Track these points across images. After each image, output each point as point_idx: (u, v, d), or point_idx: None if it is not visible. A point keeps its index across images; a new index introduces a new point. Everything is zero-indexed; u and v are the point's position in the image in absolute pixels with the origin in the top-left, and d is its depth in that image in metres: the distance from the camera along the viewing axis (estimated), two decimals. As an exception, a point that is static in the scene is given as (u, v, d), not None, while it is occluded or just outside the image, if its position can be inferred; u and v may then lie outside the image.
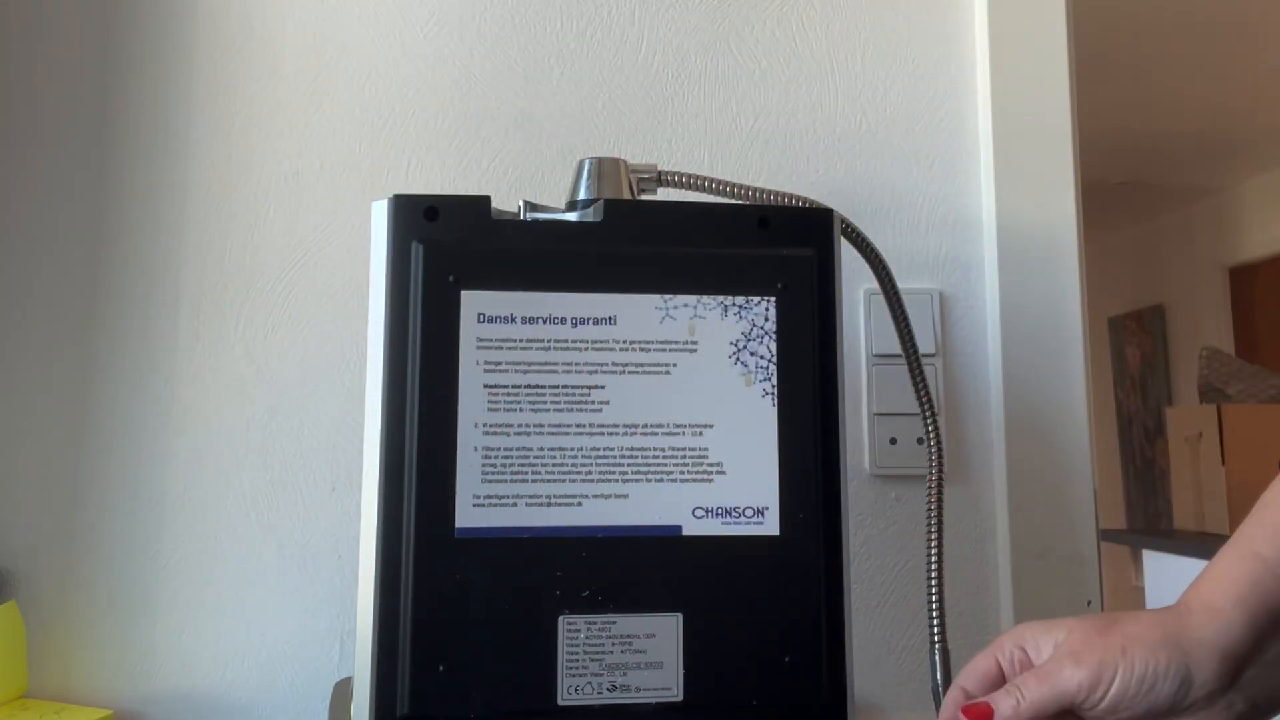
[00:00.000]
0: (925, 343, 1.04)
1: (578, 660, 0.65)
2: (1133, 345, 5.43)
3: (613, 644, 0.65)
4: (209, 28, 1.05)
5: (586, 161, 0.79)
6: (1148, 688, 0.57)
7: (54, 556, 0.98)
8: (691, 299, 0.69)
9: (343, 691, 0.82)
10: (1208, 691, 0.57)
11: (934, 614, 0.82)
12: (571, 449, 0.67)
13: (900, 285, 0.90)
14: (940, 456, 0.86)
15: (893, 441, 1.05)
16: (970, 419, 1.07)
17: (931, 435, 0.86)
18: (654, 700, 0.65)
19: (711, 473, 0.68)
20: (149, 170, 1.03)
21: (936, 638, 0.81)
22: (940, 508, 0.85)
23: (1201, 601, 0.59)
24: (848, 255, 0.80)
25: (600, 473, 0.67)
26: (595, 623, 0.65)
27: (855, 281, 1.02)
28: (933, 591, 0.82)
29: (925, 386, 0.87)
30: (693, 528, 0.67)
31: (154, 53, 1.05)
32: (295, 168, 1.04)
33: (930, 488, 0.85)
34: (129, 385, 1.00)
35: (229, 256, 1.03)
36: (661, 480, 0.67)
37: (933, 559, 0.83)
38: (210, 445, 1.00)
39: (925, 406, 0.87)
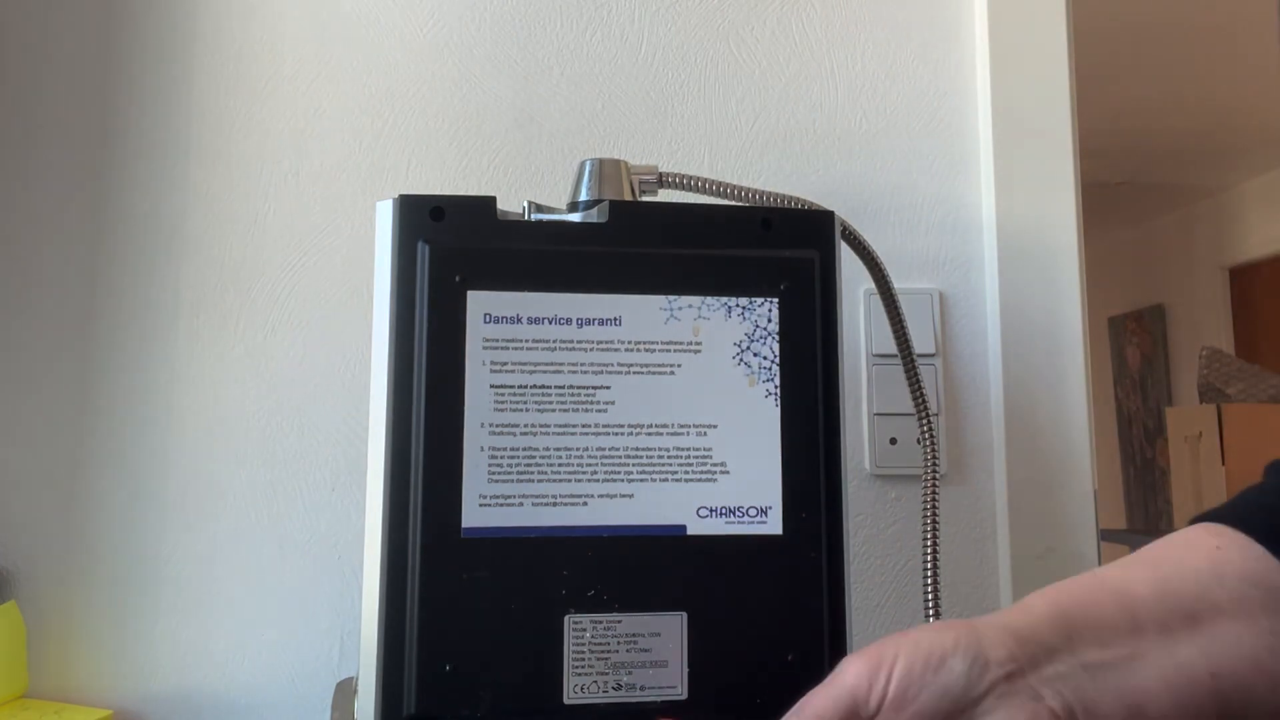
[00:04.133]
0: (925, 343, 1.04)
1: (583, 659, 0.65)
2: (1133, 345, 5.44)
3: (618, 643, 0.65)
4: (209, 28, 1.05)
5: (588, 163, 0.79)
6: (935, 664, 0.52)
7: (54, 556, 0.98)
8: (696, 300, 0.69)
9: (345, 691, 0.82)
10: (1006, 672, 0.52)
11: (931, 614, 0.83)
12: (577, 449, 0.67)
13: (900, 285, 0.90)
14: (935, 457, 0.86)
15: (893, 441, 1.05)
16: (970, 419, 1.07)
17: (927, 436, 0.86)
18: (659, 699, 0.65)
19: (715, 473, 0.68)
20: (149, 170, 1.03)
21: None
22: (935, 508, 0.85)
23: (1021, 601, 0.57)
24: (848, 256, 0.80)
25: (605, 473, 0.67)
26: (601, 622, 0.65)
27: (855, 282, 1.02)
28: (929, 591, 0.83)
29: (921, 387, 0.87)
30: (697, 527, 0.68)
31: (154, 53, 1.05)
32: (295, 168, 1.04)
33: (926, 488, 0.85)
34: (129, 385, 1.00)
35: (229, 256, 1.03)
36: (666, 480, 0.68)
37: (929, 559, 0.83)
38: (210, 445, 1.00)
39: (921, 407, 0.87)
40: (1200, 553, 0.57)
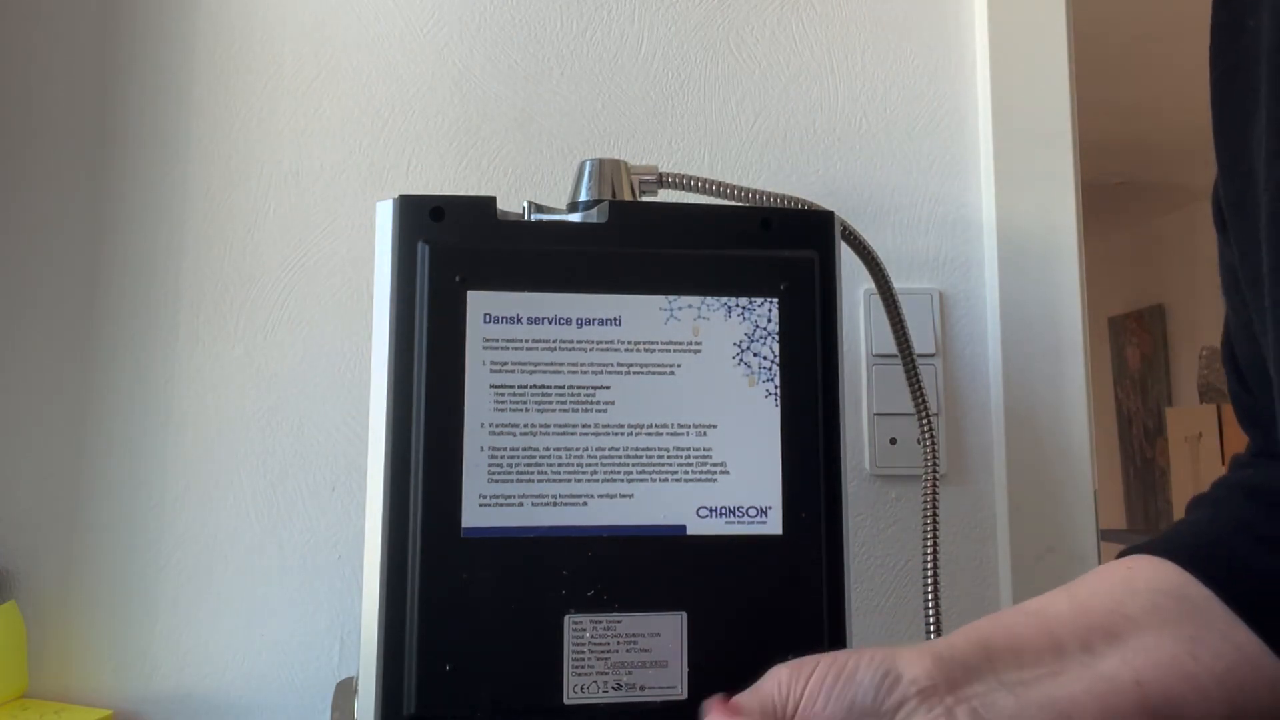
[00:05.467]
0: (925, 343, 1.04)
1: (583, 659, 0.65)
2: (1133, 345, 5.44)
3: (618, 643, 0.65)
4: (209, 28, 1.05)
5: (588, 163, 0.79)
6: (846, 676, 0.54)
7: (54, 556, 0.98)
8: (695, 300, 0.69)
9: (345, 691, 0.82)
10: (919, 689, 0.54)
11: (930, 614, 0.83)
12: (577, 449, 0.67)
13: (900, 285, 0.91)
14: (935, 457, 0.86)
15: (893, 441, 1.05)
16: (970, 419, 1.07)
17: (926, 436, 0.86)
18: (659, 699, 0.65)
19: (715, 473, 0.68)
20: (149, 170, 1.03)
21: (932, 638, 0.81)
22: (935, 508, 0.85)
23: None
24: (847, 255, 0.80)
25: (605, 473, 0.67)
26: (601, 622, 0.65)
27: (855, 282, 1.02)
28: (929, 591, 0.83)
29: (921, 387, 0.88)
30: (697, 527, 0.68)
31: (154, 53, 1.05)
32: (295, 168, 1.04)
33: (926, 488, 0.85)
34: (129, 385, 1.00)
35: (229, 256, 1.03)
36: (666, 480, 0.68)
37: (929, 559, 0.84)
38: (210, 445, 1.00)
39: (921, 407, 0.87)
40: (1114, 575, 0.60)
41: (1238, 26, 0.56)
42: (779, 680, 0.55)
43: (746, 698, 0.56)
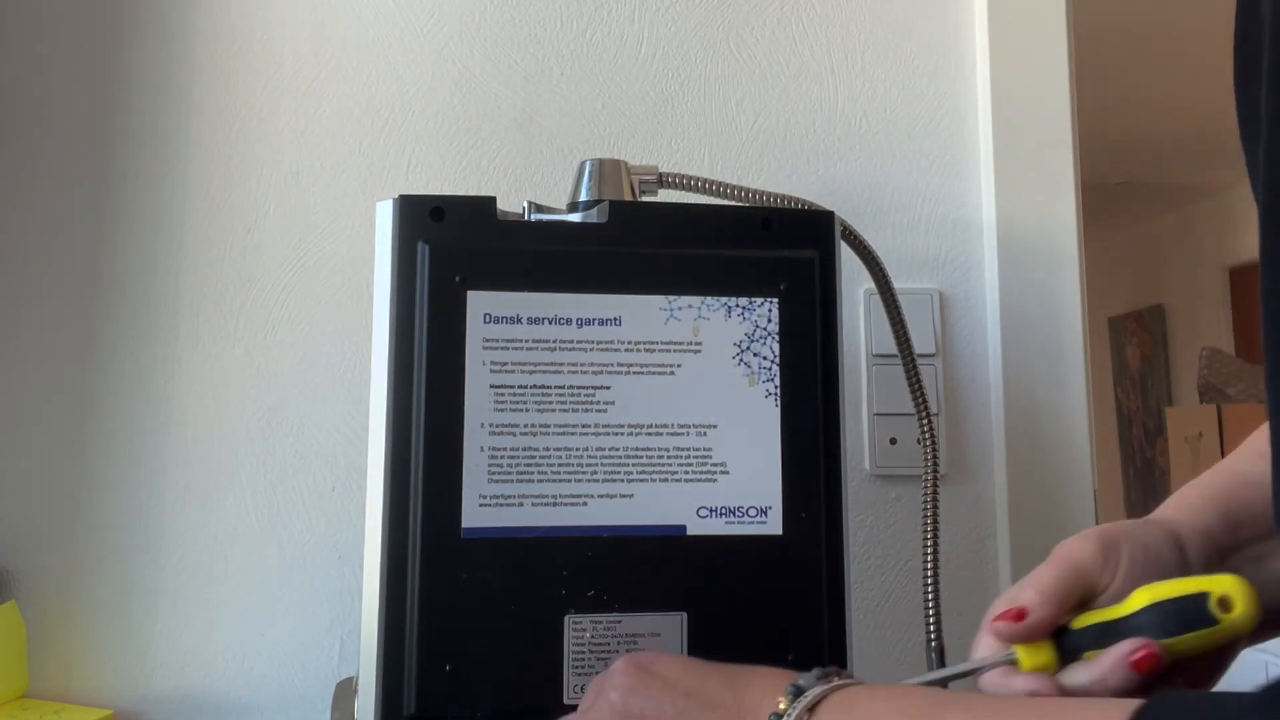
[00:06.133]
0: (925, 343, 1.04)
1: (584, 659, 0.65)
2: (1133, 345, 5.44)
3: (618, 643, 0.65)
4: (209, 28, 1.05)
5: (588, 163, 0.79)
6: (1154, 557, 0.57)
7: (54, 556, 0.98)
8: (695, 300, 0.69)
9: (345, 691, 0.82)
10: (1202, 568, 0.58)
11: (930, 613, 0.83)
12: (577, 449, 0.67)
13: (900, 285, 0.90)
14: (935, 457, 0.86)
15: (893, 441, 1.05)
16: (970, 419, 1.07)
17: (927, 436, 0.86)
18: (659, 699, 0.65)
19: (715, 473, 0.68)
20: (149, 170, 1.03)
21: (933, 637, 0.81)
22: (935, 508, 0.85)
23: (1178, 502, 0.62)
24: (847, 255, 0.80)
25: (605, 473, 0.67)
26: (601, 622, 0.65)
27: (855, 282, 1.02)
28: (929, 591, 0.83)
29: (921, 387, 0.87)
30: (697, 527, 0.68)
31: (154, 53, 1.05)
32: (295, 168, 1.04)
33: (926, 488, 0.85)
34: (129, 385, 1.00)
35: (229, 256, 1.03)
36: (666, 480, 0.68)
37: (929, 559, 0.83)
38: (210, 445, 1.00)
39: (921, 407, 0.87)
40: None
41: (1256, 9, 0.56)
42: (1085, 553, 0.57)
43: (1046, 575, 0.58)
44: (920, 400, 0.87)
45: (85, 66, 1.04)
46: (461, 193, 1.02)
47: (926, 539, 0.84)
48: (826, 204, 0.82)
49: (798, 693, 0.53)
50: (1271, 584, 0.57)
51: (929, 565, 0.83)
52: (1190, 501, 0.61)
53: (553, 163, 1.06)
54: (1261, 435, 0.64)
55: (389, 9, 1.06)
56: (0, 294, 1.01)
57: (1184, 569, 0.57)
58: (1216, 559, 0.59)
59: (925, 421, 0.87)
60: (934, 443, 0.86)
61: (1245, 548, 0.60)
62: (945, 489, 1.05)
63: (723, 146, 1.08)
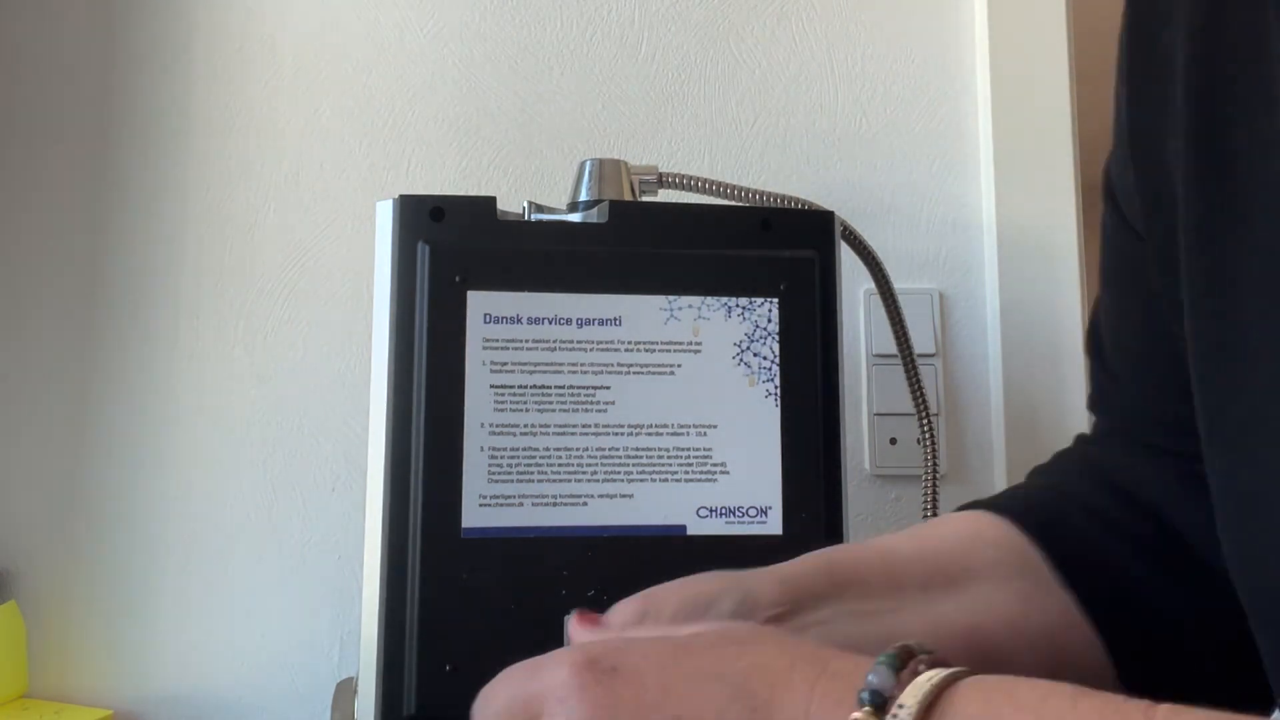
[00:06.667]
0: (925, 343, 1.04)
1: (583, 660, 0.65)
2: (1130, 345, 5.43)
3: (618, 643, 0.65)
4: (209, 28, 1.05)
5: (588, 163, 0.79)
6: (704, 606, 0.52)
7: (54, 556, 0.98)
8: (696, 300, 0.69)
9: (345, 692, 0.82)
10: (773, 614, 0.52)
11: (931, 614, 0.82)
12: (577, 449, 0.67)
13: (900, 285, 0.90)
14: (935, 457, 0.86)
15: (893, 441, 1.05)
16: (970, 419, 1.07)
17: (927, 436, 0.86)
18: (658, 699, 0.65)
19: (715, 473, 0.68)
20: (149, 170, 1.03)
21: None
22: (935, 508, 0.85)
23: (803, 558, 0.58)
24: (848, 255, 0.80)
25: (605, 473, 0.67)
26: (601, 622, 0.65)
27: (855, 282, 1.02)
28: (931, 591, 0.83)
29: (921, 387, 0.87)
30: (697, 527, 0.68)
31: (154, 53, 1.05)
32: (295, 168, 1.04)
33: (926, 488, 0.85)
34: (129, 385, 1.00)
35: (229, 257, 1.03)
36: (666, 480, 0.68)
37: (931, 559, 0.83)
38: (210, 445, 1.00)
39: (921, 407, 0.87)
40: (961, 526, 0.62)
41: (1152, 41, 0.57)
42: (625, 614, 0.52)
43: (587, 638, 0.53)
44: (920, 400, 0.87)
45: (85, 67, 1.04)
46: (462, 193, 1.02)
47: (926, 539, 0.84)
48: (826, 204, 0.82)
49: (879, 702, 0.38)
50: (874, 641, 0.49)
51: (929, 565, 0.83)
52: (800, 558, 0.57)
53: (553, 163, 1.06)
54: (921, 524, 0.64)
55: (389, 9, 1.06)
56: (0, 294, 1.01)
57: (748, 614, 0.52)
58: (808, 604, 0.54)
59: (925, 421, 0.87)
60: (934, 443, 0.86)
61: (846, 601, 0.55)
62: (945, 489, 1.05)
63: (723, 146, 1.08)
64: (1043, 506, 0.62)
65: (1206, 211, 0.49)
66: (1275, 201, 0.46)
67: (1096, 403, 0.68)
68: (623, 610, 0.53)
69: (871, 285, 0.90)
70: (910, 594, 0.56)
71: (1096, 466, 0.64)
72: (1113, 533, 0.59)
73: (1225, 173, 0.49)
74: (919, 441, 0.88)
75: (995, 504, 0.63)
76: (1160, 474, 0.60)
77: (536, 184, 1.05)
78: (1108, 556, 0.59)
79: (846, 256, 0.77)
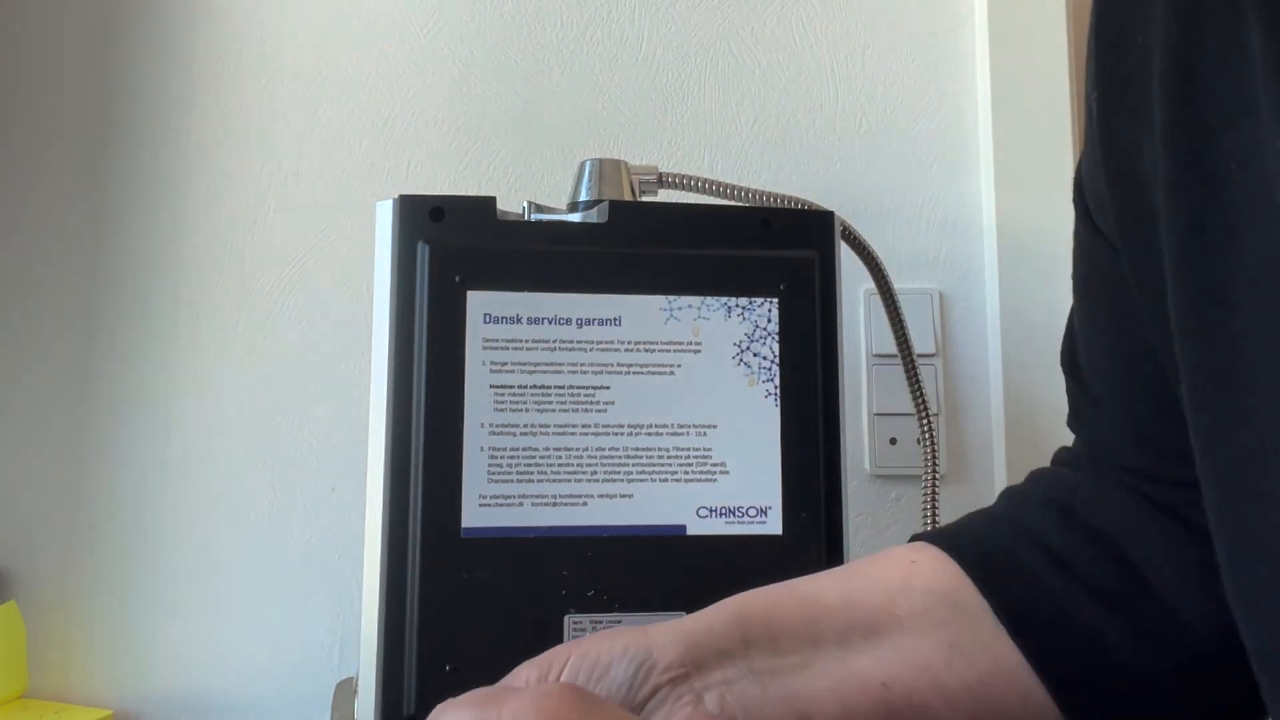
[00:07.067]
0: (925, 343, 1.04)
1: (583, 659, 0.65)
2: (1130, 345, 5.43)
3: (618, 642, 0.65)
4: (209, 28, 1.05)
5: (588, 163, 0.79)
6: (601, 671, 0.50)
7: (54, 556, 0.98)
8: (695, 300, 0.69)
9: (345, 692, 0.82)
10: (671, 676, 0.50)
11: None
12: (577, 449, 0.67)
13: (900, 285, 0.90)
14: (935, 457, 0.86)
15: (893, 441, 1.05)
16: (970, 419, 1.07)
17: (927, 436, 0.86)
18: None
19: (715, 473, 0.68)
20: (149, 170, 1.03)
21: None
22: (935, 508, 0.85)
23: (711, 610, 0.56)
24: (848, 255, 0.80)
25: (605, 473, 0.67)
26: (601, 621, 0.65)
27: (855, 282, 1.02)
28: (931, 591, 0.83)
29: (921, 387, 0.87)
30: (696, 527, 0.68)
31: (154, 53, 1.05)
32: (295, 168, 1.04)
33: (926, 488, 0.85)
34: (129, 385, 1.00)
35: (229, 256, 1.03)
36: (666, 480, 0.68)
37: (931, 560, 0.83)
38: (210, 445, 1.00)
39: (921, 407, 0.87)
40: (895, 567, 0.59)
41: (1124, 45, 0.55)
42: (527, 678, 0.51)
43: (498, 690, 0.51)
44: (920, 400, 0.87)
45: (85, 67, 1.04)
46: (462, 193, 1.01)
47: (926, 539, 0.84)
48: (826, 204, 0.82)
49: None
50: (777, 703, 0.52)
51: (929, 565, 0.83)
52: (715, 607, 0.55)
53: (553, 163, 1.06)
54: (861, 560, 0.62)
55: (389, 8, 1.06)
56: (0, 294, 1.01)
57: (645, 677, 0.50)
58: (711, 663, 0.52)
59: (925, 422, 0.87)
60: (934, 443, 0.86)
61: (753, 658, 0.53)
62: (945, 489, 1.05)
63: (723, 146, 1.08)
64: (994, 543, 0.59)
65: (1191, 225, 0.48)
66: (1264, 212, 0.44)
67: (1073, 421, 0.66)
68: (522, 675, 0.52)
69: (871, 285, 0.90)
70: (826, 647, 0.54)
71: (1053, 499, 0.62)
72: (1069, 577, 0.56)
73: (1208, 184, 0.47)
74: (919, 441, 0.88)
75: (945, 538, 0.60)
76: (1129, 510, 0.58)
77: (536, 184, 1.05)
78: (1062, 606, 0.55)
79: (847, 256, 0.77)
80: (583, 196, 0.77)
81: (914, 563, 0.59)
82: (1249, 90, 0.45)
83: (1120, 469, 0.60)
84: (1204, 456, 0.48)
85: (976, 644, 0.55)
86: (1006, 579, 0.57)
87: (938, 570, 0.58)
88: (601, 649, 0.51)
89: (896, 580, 0.57)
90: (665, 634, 0.52)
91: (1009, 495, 0.65)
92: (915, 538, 0.62)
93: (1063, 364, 0.67)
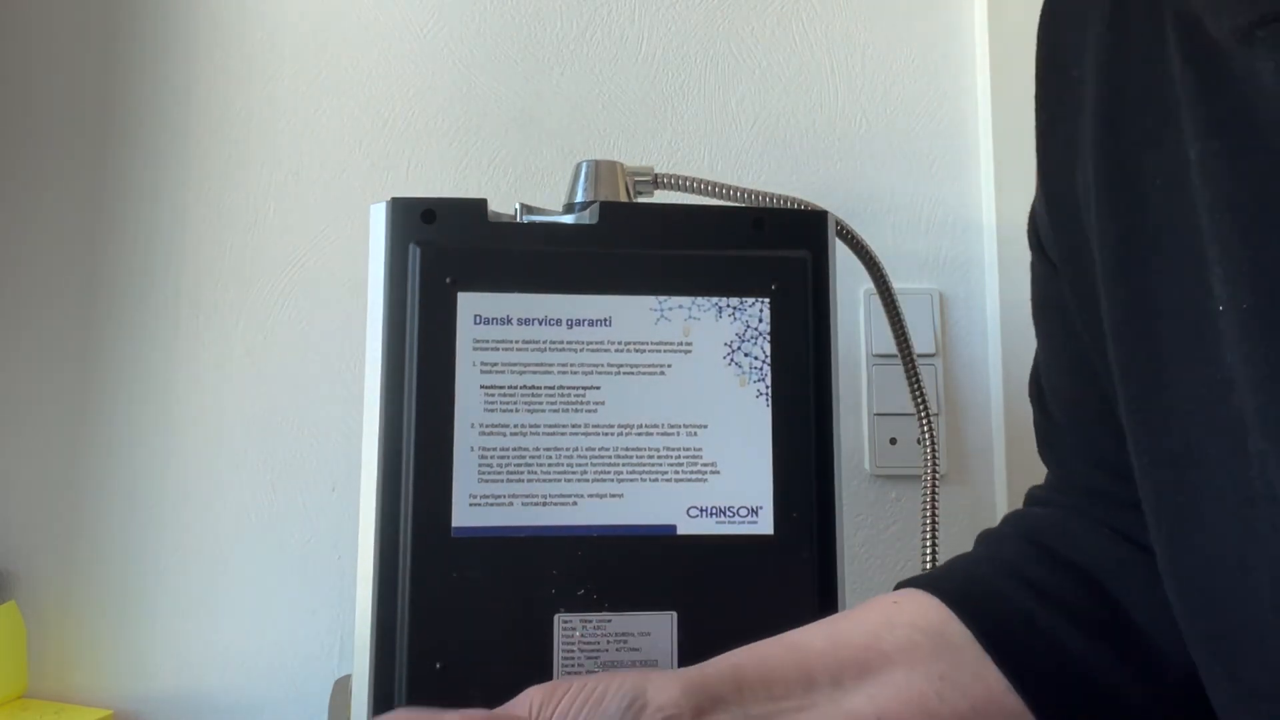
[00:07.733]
0: (925, 343, 1.04)
1: (573, 658, 0.65)
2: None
3: (608, 642, 0.65)
4: (209, 28, 1.05)
5: (584, 164, 0.79)
6: (595, 702, 0.53)
7: (54, 556, 0.99)
8: (686, 300, 0.69)
9: (342, 690, 0.82)
10: (665, 716, 0.53)
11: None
12: (567, 449, 0.67)
13: (900, 285, 0.90)
14: (935, 457, 0.86)
15: (892, 441, 1.05)
16: (970, 419, 1.06)
17: (926, 436, 0.86)
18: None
19: (706, 473, 0.68)
20: (149, 170, 1.03)
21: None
22: (935, 508, 0.85)
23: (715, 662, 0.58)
24: (847, 255, 0.80)
25: (596, 473, 0.67)
26: (591, 621, 0.65)
27: (855, 281, 1.02)
28: (930, 592, 0.82)
29: (921, 387, 0.87)
30: (687, 527, 0.68)
31: (154, 52, 1.05)
32: (295, 168, 1.04)
33: (926, 488, 0.85)
34: (129, 385, 1.01)
35: (229, 257, 1.03)
36: (656, 480, 0.68)
37: (928, 560, 0.83)
38: (210, 445, 1.01)
39: (921, 407, 0.87)
40: (878, 610, 0.61)
41: (1062, 74, 0.57)
42: (531, 700, 0.55)
43: (500, 713, 0.55)
44: (920, 400, 0.87)
45: (85, 66, 1.04)
46: (461, 193, 1.02)
47: (926, 540, 0.84)
48: (826, 204, 0.82)
49: None
50: None
51: (929, 566, 0.83)
52: (712, 659, 0.58)
53: (552, 163, 1.06)
54: (846, 611, 0.63)
55: (389, 8, 1.06)
56: (0, 294, 1.01)
57: (636, 714, 0.53)
58: (706, 707, 0.54)
59: (925, 422, 0.86)
60: (934, 443, 0.86)
61: (747, 704, 0.55)
62: (945, 489, 1.05)
63: (722, 146, 1.08)
64: (976, 579, 0.61)
65: (1120, 244, 0.49)
66: (1187, 230, 0.45)
67: (1042, 450, 0.67)
68: (529, 695, 0.55)
69: (871, 285, 0.90)
70: (820, 688, 0.56)
71: (1032, 532, 0.63)
72: (1049, 605, 0.58)
73: (1135, 205, 0.49)
74: (919, 441, 0.87)
75: (926, 580, 0.62)
76: (1098, 544, 0.59)
77: (536, 184, 1.05)
78: (1043, 632, 0.57)
79: (847, 256, 0.77)
80: (578, 198, 0.77)
81: (896, 603, 0.60)
82: (1171, 111, 0.47)
83: (1087, 496, 0.62)
84: (1138, 461, 0.49)
85: (966, 673, 0.56)
86: (989, 610, 0.58)
87: (921, 606, 0.59)
88: (601, 682, 0.54)
89: (881, 620, 0.59)
90: (663, 677, 0.55)
91: (985, 538, 0.67)
92: (898, 586, 0.64)
93: (1030, 395, 0.68)
